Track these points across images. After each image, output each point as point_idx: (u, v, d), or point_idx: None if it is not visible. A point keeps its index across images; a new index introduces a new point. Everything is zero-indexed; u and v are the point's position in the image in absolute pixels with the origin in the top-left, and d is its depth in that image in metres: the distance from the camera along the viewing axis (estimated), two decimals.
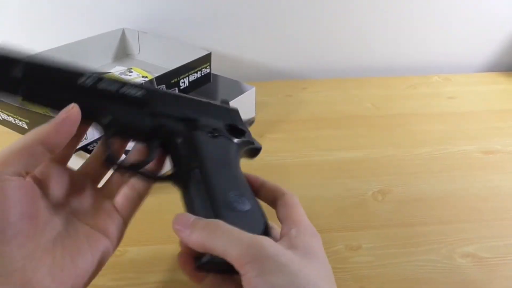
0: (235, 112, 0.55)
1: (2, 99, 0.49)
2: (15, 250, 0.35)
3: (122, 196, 0.49)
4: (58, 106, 0.43)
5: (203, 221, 0.39)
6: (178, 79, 0.85)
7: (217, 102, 0.55)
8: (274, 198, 0.47)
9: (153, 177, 0.48)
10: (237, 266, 0.35)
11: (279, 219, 0.45)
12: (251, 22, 1.18)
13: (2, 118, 0.74)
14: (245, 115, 0.56)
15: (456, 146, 0.91)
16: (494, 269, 0.62)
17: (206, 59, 0.91)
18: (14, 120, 0.72)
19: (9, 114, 0.72)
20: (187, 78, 0.87)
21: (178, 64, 0.85)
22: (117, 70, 1.00)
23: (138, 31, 1.09)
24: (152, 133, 0.47)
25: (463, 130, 0.98)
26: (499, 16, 1.25)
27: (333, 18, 1.20)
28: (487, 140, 0.93)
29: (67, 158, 0.47)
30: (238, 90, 0.96)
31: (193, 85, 0.90)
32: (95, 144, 0.76)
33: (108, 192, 0.49)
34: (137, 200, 0.49)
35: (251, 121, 0.54)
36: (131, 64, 1.08)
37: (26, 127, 0.71)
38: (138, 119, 0.47)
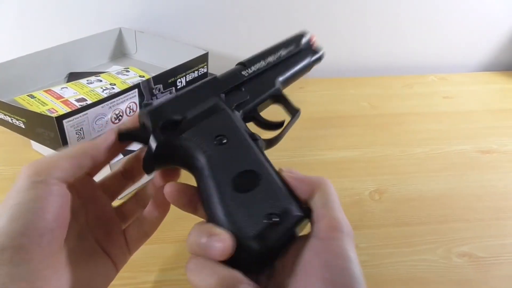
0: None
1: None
2: (42, 255, 0.35)
3: (132, 230, 0.49)
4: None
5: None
6: (175, 78, 0.85)
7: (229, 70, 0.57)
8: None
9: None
10: None
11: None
12: (248, 21, 1.18)
13: None
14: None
15: (452, 146, 0.91)
16: (490, 268, 0.63)
17: (203, 59, 0.91)
18: (11, 120, 0.72)
19: (6, 113, 0.72)
20: (184, 77, 0.87)
21: (175, 64, 0.85)
22: (114, 70, 1.00)
23: (135, 31, 1.09)
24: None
25: (459, 129, 0.98)
26: (495, 16, 1.25)
27: (329, 18, 1.20)
28: (483, 140, 0.94)
29: (97, 171, 0.47)
30: None
31: (190, 84, 0.90)
32: None
33: (122, 215, 0.50)
34: (144, 238, 0.50)
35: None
36: (128, 63, 1.07)
37: (23, 127, 0.71)
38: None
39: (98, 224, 0.46)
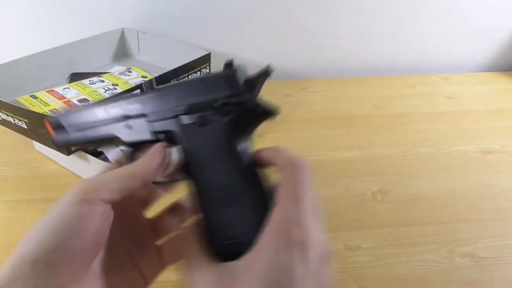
0: (230, 78, 0.45)
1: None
2: (73, 271, 0.36)
3: (169, 245, 0.49)
4: (95, 139, 0.51)
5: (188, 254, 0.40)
6: (178, 79, 0.85)
7: (215, 73, 0.46)
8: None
9: (166, 182, 0.48)
10: None
11: None
12: (251, 22, 1.18)
13: (2, 118, 0.74)
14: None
15: (455, 146, 0.91)
16: (493, 268, 0.62)
17: (205, 59, 0.91)
18: (14, 120, 0.72)
19: (9, 114, 0.72)
20: (186, 78, 0.87)
21: (178, 64, 0.85)
22: (116, 70, 1.00)
23: (137, 31, 1.09)
24: (156, 139, 0.47)
25: (462, 129, 0.98)
26: (498, 16, 1.25)
27: (332, 18, 1.20)
28: (486, 140, 0.93)
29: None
30: None
31: None
32: None
33: (157, 228, 0.50)
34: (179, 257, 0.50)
35: (265, 73, 0.46)
36: (130, 64, 1.08)
37: (25, 127, 0.71)
38: (143, 131, 0.48)
39: (131, 236, 0.46)
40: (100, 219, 0.37)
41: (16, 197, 0.75)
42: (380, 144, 0.92)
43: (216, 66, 0.97)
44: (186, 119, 0.45)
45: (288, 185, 0.38)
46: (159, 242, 0.49)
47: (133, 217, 0.45)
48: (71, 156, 0.72)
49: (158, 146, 0.44)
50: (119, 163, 0.48)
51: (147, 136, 0.48)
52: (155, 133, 0.47)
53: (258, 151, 0.43)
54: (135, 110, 0.49)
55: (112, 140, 0.50)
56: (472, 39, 1.29)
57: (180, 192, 0.48)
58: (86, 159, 0.74)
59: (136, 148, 0.49)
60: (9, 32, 1.11)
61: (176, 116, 0.46)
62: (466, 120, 1.02)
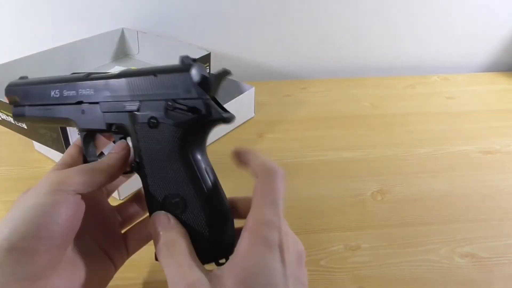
0: (184, 77, 0.42)
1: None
2: (49, 257, 0.37)
3: (133, 232, 0.51)
4: (49, 119, 0.51)
5: (167, 235, 0.39)
6: None
7: (169, 67, 0.44)
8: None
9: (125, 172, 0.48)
10: None
11: None
12: (250, 22, 1.18)
13: (2, 118, 0.74)
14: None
15: (455, 146, 0.91)
16: (493, 269, 0.62)
17: (205, 59, 0.91)
18: (14, 120, 0.72)
19: (9, 114, 0.72)
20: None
21: None
22: (116, 70, 1.00)
23: (137, 31, 1.09)
24: (110, 129, 0.47)
25: (461, 130, 0.98)
26: (498, 16, 1.25)
27: (332, 18, 1.20)
28: (486, 140, 0.93)
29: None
30: (238, 90, 0.96)
31: None
32: None
33: (122, 216, 0.52)
34: (144, 241, 0.51)
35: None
36: (130, 64, 1.08)
37: (26, 127, 0.71)
38: (96, 120, 0.47)
39: (97, 224, 0.47)
40: (73, 207, 0.39)
41: (16, 197, 0.75)
42: (380, 144, 0.92)
43: (216, 66, 0.97)
44: (137, 117, 0.44)
45: (265, 190, 0.38)
46: (124, 228, 0.51)
47: (98, 205, 0.47)
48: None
49: (121, 143, 0.46)
50: (78, 147, 0.49)
51: (99, 125, 0.47)
52: (107, 124, 0.47)
53: (237, 150, 0.44)
54: (89, 97, 0.47)
55: (68, 122, 0.50)
56: (472, 39, 1.29)
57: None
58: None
59: (90, 132, 0.49)
60: (9, 32, 1.11)
61: (126, 112, 0.45)
62: (466, 120, 1.02)
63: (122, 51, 1.12)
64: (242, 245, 0.36)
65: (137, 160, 0.44)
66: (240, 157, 0.43)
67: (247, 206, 0.39)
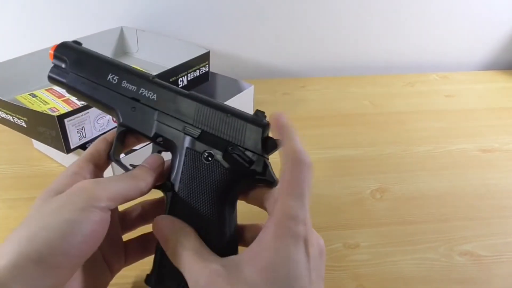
0: (256, 131, 0.45)
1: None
2: (71, 272, 0.37)
3: (134, 243, 0.51)
4: (92, 99, 0.49)
5: (174, 237, 0.40)
6: (177, 77, 0.85)
7: (244, 115, 0.46)
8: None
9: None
10: None
11: None
12: (250, 20, 1.18)
13: (1, 116, 0.74)
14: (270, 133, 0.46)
15: (454, 144, 0.91)
16: (492, 267, 0.63)
17: (204, 58, 0.91)
18: (13, 119, 0.72)
19: (8, 112, 0.72)
20: (185, 76, 0.87)
21: (177, 63, 0.85)
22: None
23: (136, 29, 1.09)
24: (154, 140, 0.47)
25: (461, 128, 0.98)
26: (497, 15, 1.25)
27: (331, 17, 1.20)
28: (485, 138, 0.93)
29: None
30: (237, 88, 0.96)
31: (192, 83, 0.90)
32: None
33: (124, 223, 0.52)
34: (144, 254, 0.52)
35: (275, 146, 0.44)
36: (129, 62, 1.07)
37: (25, 125, 0.71)
38: (145, 124, 0.47)
39: None
40: (102, 225, 0.39)
41: (15, 195, 0.75)
42: (379, 142, 0.92)
43: (215, 64, 0.97)
44: (192, 144, 0.45)
45: (293, 182, 0.38)
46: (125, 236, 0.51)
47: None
48: (70, 154, 0.72)
49: (158, 159, 0.46)
50: (106, 141, 0.49)
51: (146, 130, 0.47)
52: (156, 133, 0.47)
53: (276, 116, 0.44)
54: (148, 100, 0.48)
55: (110, 110, 0.49)
56: (471, 37, 1.29)
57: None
58: None
59: (128, 131, 0.48)
60: (8, 31, 1.11)
61: (183, 133, 0.46)
62: (465, 118, 1.02)
63: (121, 49, 1.12)
64: (267, 236, 0.36)
65: (173, 181, 0.45)
66: (277, 126, 0.43)
67: (253, 235, 0.41)
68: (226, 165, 0.43)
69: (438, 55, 1.32)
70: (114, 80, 0.48)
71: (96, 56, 0.50)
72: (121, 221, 0.52)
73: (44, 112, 0.76)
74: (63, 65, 0.50)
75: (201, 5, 1.14)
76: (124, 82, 0.48)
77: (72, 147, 0.71)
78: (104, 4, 1.10)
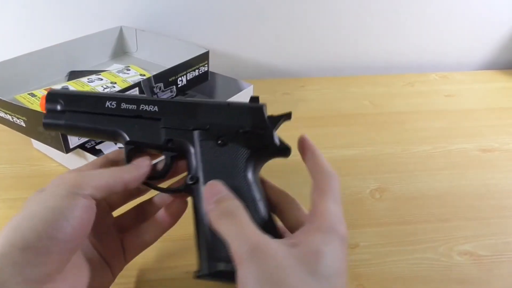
0: (257, 110, 0.51)
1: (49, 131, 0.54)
2: (59, 260, 0.37)
3: (130, 239, 0.52)
4: (95, 130, 0.50)
5: (226, 204, 0.40)
6: (176, 77, 0.85)
7: (241, 103, 0.52)
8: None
9: (166, 191, 0.50)
10: (235, 258, 0.36)
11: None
12: (249, 20, 1.18)
13: (0, 116, 0.74)
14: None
15: (454, 144, 0.91)
16: (492, 267, 0.62)
17: (204, 57, 0.91)
18: (12, 118, 0.72)
19: (7, 112, 0.72)
20: (185, 76, 0.87)
21: (176, 62, 0.85)
22: (114, 68, 1.00)
23: (135, 29, 1.08)
24: (165, 146, 0.49)
25: (461, 128, 0.98)
26: (497, 14, 1.25)
27: (331, 16, 1.20)
28: (485, 138, 0.93)
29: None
30: (236, 88, 0.96)
31: (191, 83, 0.90)
32: (92, 142, 0.76)
33: (120, 226, 0.53)
34: (143, 247, 0.52)
35: (286, 116, 0.54)
36: (128, 62, 1.07)
37: (24, 125, 0.71)
38: (152, 135, 0.49)
39: (97, 231, 0.47)
40: (88, 212, 0.39)
41: (15, 195, 0.75)
42: (378, 142, 0.92)
43: (215, 64, 0.97)
44: (205, 135, 0.48)
45: (332, 190, 0.43)
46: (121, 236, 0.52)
47: (101, 213, 0.46)
48: (69, 154, 0.72)
49: (146, 160, 0.48)
50: (107, 159, 0.50)
51: (155, 140, 0.49)
52: (165, 139, 0.49)
53: (303, 139, 0.51)
54: (151, 113, 0.50)
55: (114, 135, 0.50)
56: (471, 37, 1.29)
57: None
58: (84, 157, 0.74)
59: (136, 147, 0.50)
60: (7, 30, 1.11)
61: (194, 130, 0.49)
62: (465, 118, 1.02)
63: (120, 49, 1.12)
64: (314, 225, 0.39)
65: (196, 175, 0.47)
66: (304, 145, 0.50)
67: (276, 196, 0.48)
68: (242, 144, 0.48)
69: (438, 55, 1.32)
70: (113, 105, 0.50)
71: (88, 92, 0.53)
72: (117, 224, 0.52)
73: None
74: (58, 107, 0.51)
75: (201, 5, 1.14)
76: (123, 104, 0.50)
77: (71, 147, 0.71)
78: (104, 4, 1.10)
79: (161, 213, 0.52)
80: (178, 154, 0.50)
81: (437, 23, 1.25)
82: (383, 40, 1.26)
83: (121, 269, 0.51)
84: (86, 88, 0.86)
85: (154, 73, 0.82)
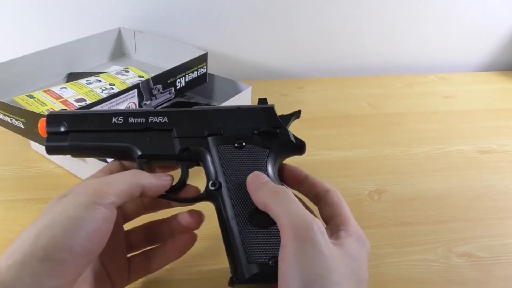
0: (269, 111, 0.53)
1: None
2: (76, 272, 0.37)
3: (137, 261, 0.52)
4: (102, 148, 0.50)
5: (272, 184, 0.42)
6: (175, 79, 0.85)
7: (250, 105, 0.54)
8: (316, 194, 0.48)
9: (187, 201, 0.50)
10: (282, 234, 0.37)
11: (323, 218, 0.47)
12: (247, 21, 1.18)
13: None
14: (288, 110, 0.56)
15: (452, 146, 0.91)
16: (490, 268, 0.63)
17: (202, 59, 0.91)
18: (11, 120, 0.72)
19: (5, 113, 0.72)
20: (183, 78, 0.87)
21: (175, 64, 0.85)
22: (113, 70, 1.00)
23: (134, 31, 1.08)
24: (181, 156, 0.49)
25: (459, 129, 0.98)
26: (495, 16, 1.25)
27: (329, 18, 1.20)
28: (483, 140, 0.93)
29: None
30: (235, 89, 0.96)
31: (190, 85, 0.90)
32: None
33: (129, 242, 0.53)
34: (146, 272, 0.53)
35: (296, 114, 0.58)
36: (127, 63, 1.07)
37: (23, 127, 0.71)
38: (166, 146, 0.49)
39: (107, 247, 0.47)
40: (106, 224, 0.39)
41: (13, 196, 0.75)
42: (377, 143, 0.92)
43: (213, 66, 0.97)
44: (221, 140, 0.49)
45: (345, 205, 0.47)
46: (129, 255, 0.52)
47: (116, 226, 0.46)
48: (67, 155, 0.72)
49: (166, 174, 0.48)
50: (120, 165, 0.50)
51: (169, 151, 0.49)
52: (180, 149, 0.49)
53: (289, 167, 0.52)
54: (161, 124, 0.50)
55: (124, 151, 0.50)
56: (469, 38, 1.29)
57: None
58: (83, 159, 0.74)
59: (150, 159, 0.49)
60: (5, 32, 1.10)
61: (209, 136, 0.49)
62: (463, 119, 1.02)
63: (119, 51, 1.12)
64: (349, 236, 0.41)
65: (218, 180, 0.47)
66: (295, 176, 0.51)
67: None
68: (260, 145, 0.49)
69: (436, 57, 1.32)
70: (120, 121, 0.50)
71: (91, 110, 0.53)
72: (126, 240, 0.52)
73: (42, 113, 0.76)
74: (62, 128, 0.50)
75: (199, 7, 1.14)
76: (131, 119, 0.50)
77: None
78: (102, 5, 1.10)
79: (169, 246, 0.52)
80: (192, 163, 0.50)
81: (436, 25, 1.25)
82: (381, 41, 1.26)
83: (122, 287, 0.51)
84: (84, 90, 0.86)
85: (153, 74, 0.82)
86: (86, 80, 0.91)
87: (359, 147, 0.90)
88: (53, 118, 0.51)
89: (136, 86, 0.77)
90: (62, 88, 0.87)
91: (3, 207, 0.72)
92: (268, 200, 0.40)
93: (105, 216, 0.39)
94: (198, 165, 0.50)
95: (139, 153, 0.49)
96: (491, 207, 0.75)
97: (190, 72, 0.89)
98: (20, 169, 0.82)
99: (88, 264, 0.38)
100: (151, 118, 0.50)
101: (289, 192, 0.41)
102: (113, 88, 0.88)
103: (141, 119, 0.49)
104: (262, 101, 0.54)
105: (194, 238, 0.52)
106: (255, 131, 0.50)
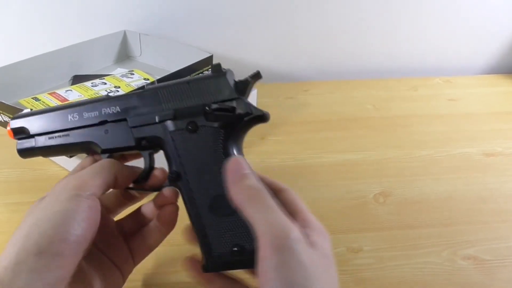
0: (221, 80, 0.45)
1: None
2: (73, 262, 0.37)
3: (136, 243, 0.52)
4: (67, 146, 0.49)
5: (250, 182, 0.40)
6: None
7: (202, 75, 0.47)
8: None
9: (152, 189, 0.49)
10: (260, 243, 0.36)
11: None
12: (252, 24, 1.18)
13: (4, 120, 0.75)
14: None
15: (457, 148, 0.91)
16: (495, 271, 0.62)
17: (207, 62, 0.91)
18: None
19: (9, 115, 0.72)
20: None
21: (180, 67, 0.85)
22: (118, 72, 1.00)
23: (139, 33, 1.09)
24: (140, 146, 0.47)
25: (464, 132, 0.98)
26: (500, 19, 1.25)
27: (334, 20, 1.20)
28: (488, 142, 0.93)
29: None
30: None
31: None
32: None
33: (122, 230, 0.53)
34: (148, 251, 0.53)
35: (255, 77, 0.45)
36: (132, 66, 1.08)
37: None
38: (123, 137, 0.47)
39: (101, 236, 0.47)
40: (93, 211, 0.40)
41: (19, 199, 0.75)
42: (382, 146, 0.91)
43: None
44: (173, 125, 0.45)
45: (301, 201, 0.45)
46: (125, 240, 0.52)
47: (103, 216, 0.46)
48: (73, 158, 0.72)
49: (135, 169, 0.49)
50: (92, 159, 0.51)
51: (127, 142, 0.47)
52: (137, 139, 0.47)
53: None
54: (114, 114, 0.47)
55: (88, 147, 0.49)
56: (475, 41, 1.29)
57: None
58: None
59: (112, 153, 0.49)
60: (11, 34, 1.11)
61: (161, 122, 0.46)
62: (468, 122, 1.02)
63: (124, 53, 1.12)
64: (324, 239, 0.42)
65: (176, 169, 0.45)
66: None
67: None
68: (214, 124, 0.44)
69: (441, 59, 1.31)
70: (75, 117, 0.48)
71: (47, 109, 0.51)
72: (120, 229, 0.53)
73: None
74: (26, 133, 0.51)
75: (204, 9, 1.14)
76: (85, 114, 0.48)
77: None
78: (107, 8, 1.11)
79: (159, 220, 0.52)
80: (156, 149, 0.48)
81: (441, 28, 1.25)
82: (386, 44, 1.26)
83: (130, 272, 0.51)
84: (90, 92, 0.87)
85: (158, 77, 0.82)
86: (91, 83, 0.91)
87: (364, 150, 0.90)
88: (16, 123, 0.51)
89: (141, 89, 0.78)
90: (68, 90, 0.88)
91: (8, 210, 0.73)
92: (244, 202, 0.39)
93: (90, 205, 0.40)
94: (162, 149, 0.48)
95: (101, 147, 0.48)
96: (496, 210, 0.74)
97: (195, 75, 0.89)
98: (24, 171, 0.82)
99: (83, 252, 0.39)
100: (104, 110, 0.47)
101: (267, 194, 0.39)
102: (118, 91, 0.88)
103: (95, 113, 0.48)
104: (216, 68, 0.46)
105: (177, 207, 0.50)
106: (207, 108, 0.44)
